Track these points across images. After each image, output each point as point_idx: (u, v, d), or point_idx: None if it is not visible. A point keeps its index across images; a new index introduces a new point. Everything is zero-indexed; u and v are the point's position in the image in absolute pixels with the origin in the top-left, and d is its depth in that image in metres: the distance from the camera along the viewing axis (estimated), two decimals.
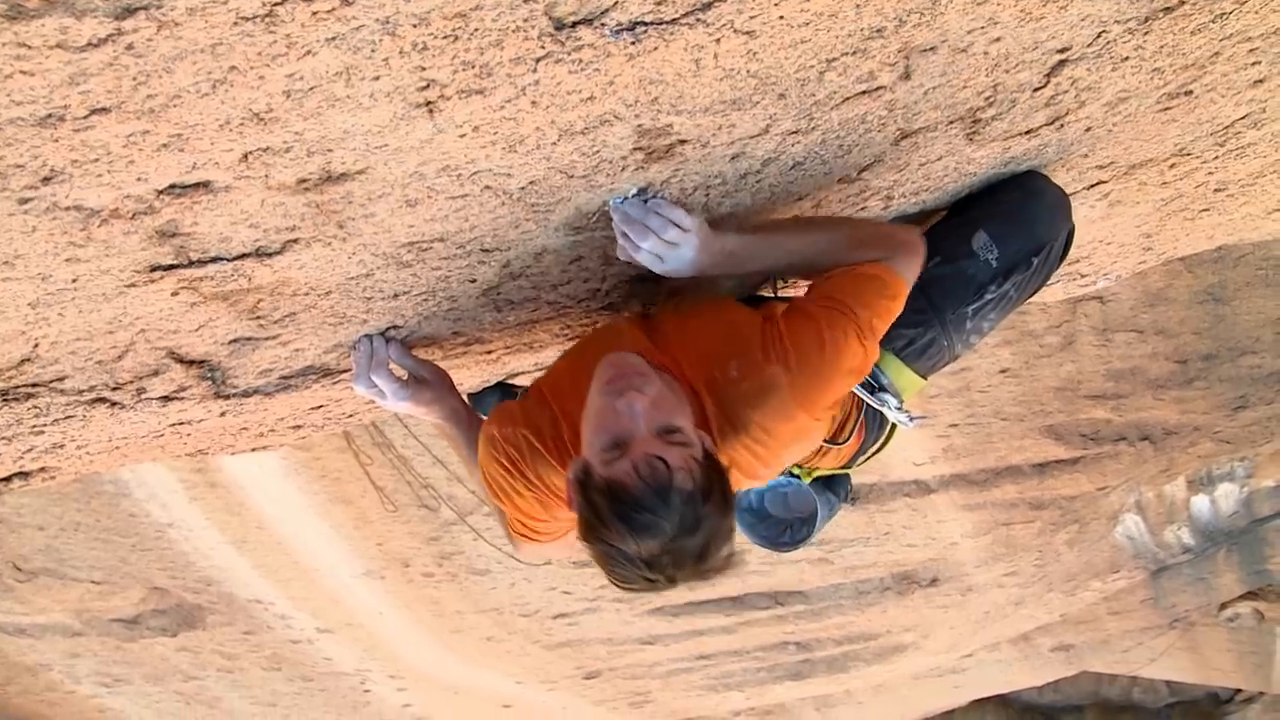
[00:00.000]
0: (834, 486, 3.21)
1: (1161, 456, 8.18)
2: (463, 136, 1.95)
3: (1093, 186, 3.02)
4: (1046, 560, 9.42)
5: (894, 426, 3.07)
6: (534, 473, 2.59)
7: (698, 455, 2.15)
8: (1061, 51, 2.33)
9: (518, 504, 2.63)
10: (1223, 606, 11.51)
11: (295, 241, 2.16)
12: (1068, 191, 3.01)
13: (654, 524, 2.03)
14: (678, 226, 2.29)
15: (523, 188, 2.21)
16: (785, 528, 3.16)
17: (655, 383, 2.29)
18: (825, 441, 2.90)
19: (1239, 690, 16.14)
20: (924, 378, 3.02)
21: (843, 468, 3.09)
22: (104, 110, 1.59)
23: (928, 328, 2.92)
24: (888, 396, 2.95)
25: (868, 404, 2.95)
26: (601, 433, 2.21)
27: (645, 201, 2.34)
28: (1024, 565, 9.40)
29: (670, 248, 2.30)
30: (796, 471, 3.01)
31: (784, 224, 2.56)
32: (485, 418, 2.80)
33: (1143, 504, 9.35)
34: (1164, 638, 11.39)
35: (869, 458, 3.13)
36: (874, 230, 2.58)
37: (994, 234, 2.88)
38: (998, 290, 2.90)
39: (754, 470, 2.53)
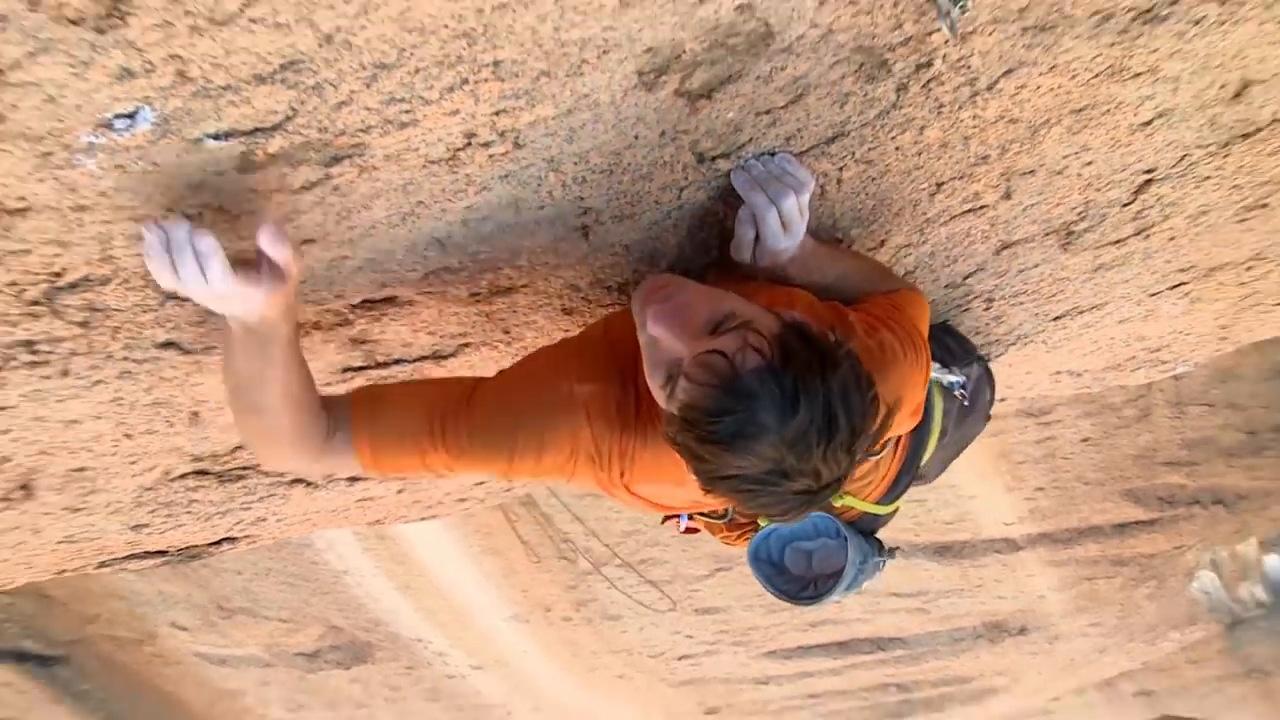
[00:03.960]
0: (869, 540, 2.54)
1: (1234, 519, 7.86)
2: (615, 256, 1.96)
3: (1175, 287, 2.93)
4: (1128, 612, 9.06)
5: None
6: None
7: (763, 327, 1.48)
8: (1148, 172, 2.28)
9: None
10: None
11: (466, 345, 2.18)
12: (1151, 291, 2.92)
13: (745, 423, 1.40)
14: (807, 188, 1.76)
15: None
16: (807, 584, 2.43)
17: (686, 288, 1.66)
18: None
19: None
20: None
21: (879, 502, 2.37)
22: (311, 241, 1.63)
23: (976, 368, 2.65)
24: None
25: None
26: (653, 372, 1.60)
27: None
28: (1106, 617, 9.06)
29: (801, 216, 1.76)
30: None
31: (840, 251, 2.06)
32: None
33: (1218, 562, 8.97)
34: (1240, 685, 10.78)
35: (899, 500, 2.44)
36: (897, 280, 2.12)
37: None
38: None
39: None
